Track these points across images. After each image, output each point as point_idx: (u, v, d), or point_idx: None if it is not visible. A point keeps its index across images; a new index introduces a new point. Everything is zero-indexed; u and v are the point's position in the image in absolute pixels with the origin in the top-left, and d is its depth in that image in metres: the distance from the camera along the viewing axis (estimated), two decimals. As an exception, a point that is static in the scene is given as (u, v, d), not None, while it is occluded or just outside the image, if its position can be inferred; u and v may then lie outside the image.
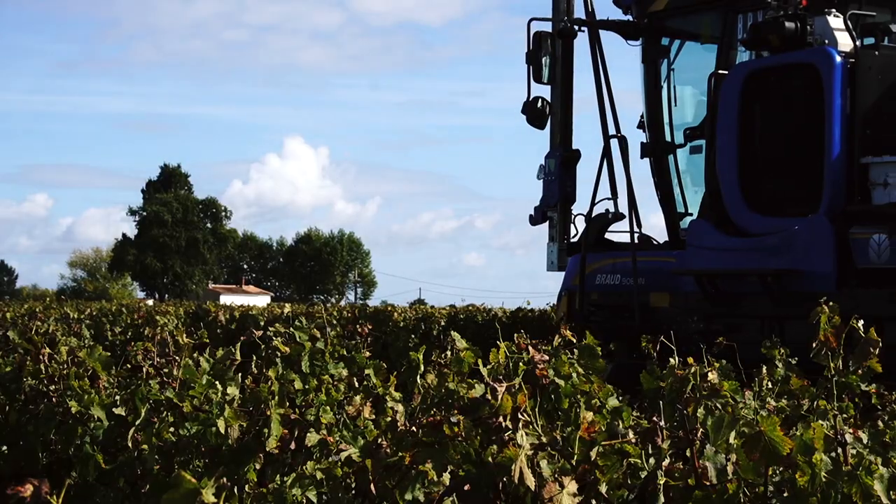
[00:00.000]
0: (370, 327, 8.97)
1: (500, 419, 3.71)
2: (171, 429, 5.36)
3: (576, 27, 15.01)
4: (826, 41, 12.57)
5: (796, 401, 4.32)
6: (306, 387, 5.89)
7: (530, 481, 3.61)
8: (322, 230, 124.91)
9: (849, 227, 12.21)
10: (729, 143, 13.39)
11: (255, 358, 6.13)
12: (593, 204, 14.80)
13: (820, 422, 3.22)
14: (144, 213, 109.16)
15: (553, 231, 15.52)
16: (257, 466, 5.22)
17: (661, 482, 3.49)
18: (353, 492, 4.62)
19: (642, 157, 15.02)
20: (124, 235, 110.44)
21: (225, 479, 4.06)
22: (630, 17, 15.06)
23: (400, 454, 4.56)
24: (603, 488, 3.61)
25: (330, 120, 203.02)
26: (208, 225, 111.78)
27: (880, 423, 6.54)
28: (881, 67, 12.52)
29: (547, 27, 15.16)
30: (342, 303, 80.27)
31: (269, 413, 5.14)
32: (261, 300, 75.56)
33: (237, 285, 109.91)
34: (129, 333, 21.94)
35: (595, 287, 14.80)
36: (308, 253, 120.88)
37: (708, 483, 3.41)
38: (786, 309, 12.52)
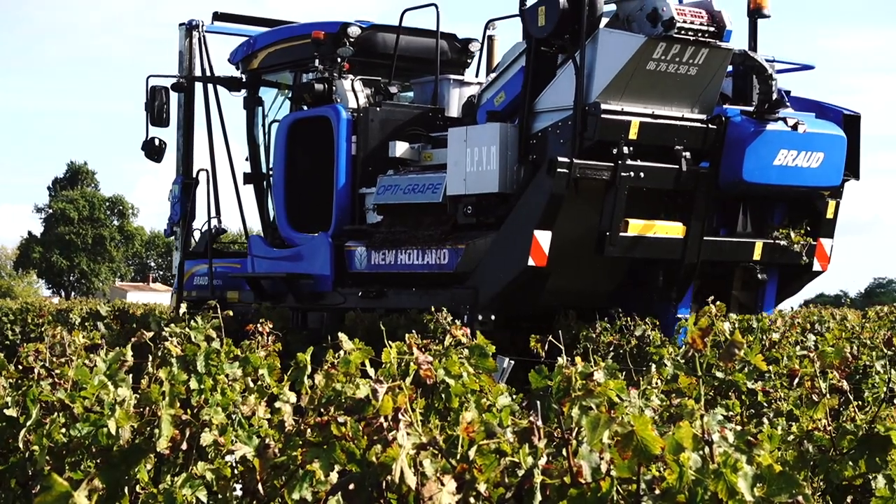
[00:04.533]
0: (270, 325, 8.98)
1: (382, 419, 3.77)
2: (63, 430, 5.36)
3: (185, 82, 19.02)
4: (339, 99, 16.52)
5: (669, 400, 4.42)
6: (202, 387, 5.92)
7: (411, 480, 3.68)
8: (231, 229, 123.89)
9: (345, 242, 16.17)
10: (278, 175, 17.47)
11: (150, 358, 6.14)
12: (190, 220, 19.11)
13: (688, 421, 3.31)
14: (50, 211, 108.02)
15: (177, 242, 19.38)
16: (149, 467, 5.25)
17: (538, 480, 3.56)
18: (241, 491, 4.66)
19: (244, 183, 19.02)
20: (30, 233, 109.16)
21: (98, 482, 4.07)
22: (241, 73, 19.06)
23: (287, 454, 4.61)
24: (482, 487, 3.68)
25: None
26: (115, 222, 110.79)
27: (765, 420, 6.70)
28: (381, 120, 16.39)
29: (164, 81, 18.87)
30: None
31: (159, 414, 5.17)
32: (168, 298, 74.96)
33: (144, 283, 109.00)
34: (33, 333, 21.77)
35: (192, 287, 18.88)
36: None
37: (583, 481, 3.49)
38: (305, 302, 16.58)
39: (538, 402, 3.98)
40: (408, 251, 15.45)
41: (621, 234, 13.86)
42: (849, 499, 5.22)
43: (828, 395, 5.05)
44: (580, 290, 14.77)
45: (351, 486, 3.98)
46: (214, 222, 18.68)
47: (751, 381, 6.90)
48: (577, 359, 4.52)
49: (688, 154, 14.12)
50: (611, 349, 12.49)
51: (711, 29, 13.88)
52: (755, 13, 14.98)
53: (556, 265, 13.92)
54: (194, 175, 18.95)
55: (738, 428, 3.31)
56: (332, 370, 4.55)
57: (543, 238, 13.70)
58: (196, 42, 18.93)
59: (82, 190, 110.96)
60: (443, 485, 3.66)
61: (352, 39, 16.86)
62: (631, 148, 13.68)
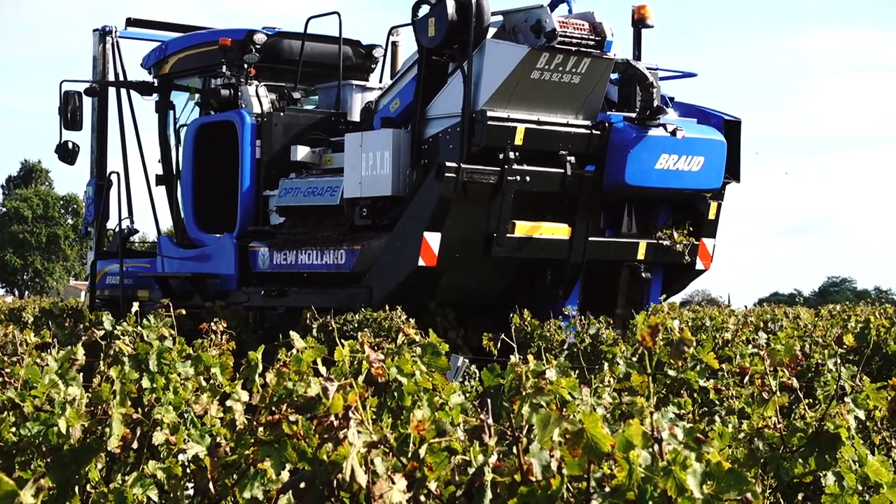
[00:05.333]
0: (225, 324, 8.95)
1: (332, 418, 3.77)
2: (13, 429, 5.32)
3: (98, 87, 19.32)
4: (244, 105, 17.17)
5: (620, 398, 4.44)
6: (154, 386, 5.89)
7: (362, 479, 3.67)
8: (144, 230, 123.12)
9: (249, 243, 16.90)
10: (186, 178, 18.09)
11: (102, 357, 6.11)
12: (104, 221, 19.71)
13: (638, 419, 3.32)
14: (4, 209, 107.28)
15: (91, 242, 19.86)
16: (100, 466, 5.22)
17: (489, 478, 3.56)
18: (193, 490, 4.65)
19: (156, 185, 19.47)
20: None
21: (45, 481, 4.04)
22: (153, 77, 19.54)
23: (239, 452, 4.60)
24: (432, 485, 3.68)
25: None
26: (69, 221, 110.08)
27: (717, 418, 6.73)
28: (284, 124, 17.06)
29: (78, 86, 19.26)
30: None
31: (111, 413, 5.14)
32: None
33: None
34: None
35: (105, 286, 19.46)
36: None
37: (533, 479, 3.49)
38: (211, 301, 16.61)
39: (489, 401, 3.99)
40: (307, 251, 16.15)
41: (508, 235, 14.59)
42: (800, 496, 5.24)
43: (778, 393, 5.07)
44: (473, 288, 15.44)
45: (302, 485, 3.97)
46: (126, 223, 19.24)
47: (703, 379, 6.94)
48: (530, 357, 4.52)
49: (572, 159, 14.85)
50: (565, 347, 12.52)
51: (593, 40, 14.62)
52: (639, 24, 15.80)
53: (447, 265, 14.61)
54: (107, 177, 19.56)
55: (689, 425, 3.32)
56: (283, 368, 4.54)
57: (433, 239, 14.44)
58: (110, 47, 19.45)
59: (36, 188, 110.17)
60: (393, 483, 3.67)
61: (258, 46, 17.43)
62: (517, 153, 14.42)
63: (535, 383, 3.94)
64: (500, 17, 14.85)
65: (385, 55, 18.57)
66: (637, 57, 15.76)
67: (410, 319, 12.20)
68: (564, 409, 3.71)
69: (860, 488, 4.84)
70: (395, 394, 5.27)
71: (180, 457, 5.06)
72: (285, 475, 4.41)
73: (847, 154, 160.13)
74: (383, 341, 5.93)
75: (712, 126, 15.96)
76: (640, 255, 15.73)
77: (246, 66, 17.30)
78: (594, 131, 15.02)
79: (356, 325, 13.29)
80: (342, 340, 5.02)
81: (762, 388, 5.04)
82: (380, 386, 5.23)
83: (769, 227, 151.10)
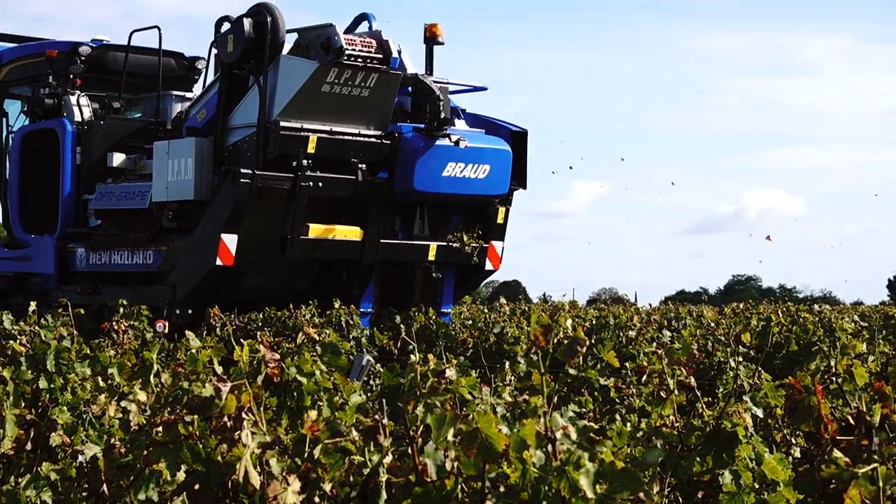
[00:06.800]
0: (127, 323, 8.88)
1: (226, 418, 3.72)
2: None
3: None
4: (67, 113, 18.10)
5: (515, 397, 4.42)
6: (51, 386, 5.81)
7: (255, 480, 3.64)
8: None
9: (68, 244, 17.92)
10: (13, 182, 18.99)
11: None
12: None
13: (532, 418, 3.30)
14: None
15: None
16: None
17: (384, 479, 3.54)
18: (87, 492, 4.58)
19: None
20: None
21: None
22: None
23: (135, 454, 4.54)
24: (327, 486, 3.65)
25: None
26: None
27: (618, 416, 6.74)
28: (104, 132, 18.09)
29: None
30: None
31: (3, 414, 5.07)
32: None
33: None
34: None
35: None
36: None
37: (428, 479, 3.47)
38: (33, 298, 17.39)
39: (384, 401, 3.96)
40: (120, 252, 17.29)
41: (302, 237, 15.75)
42: (700, 494, 5.26)
43: (676, 392, 5.09)
44: (275, 287, 16.36)
45: (196, 486, 3.93)
46: None
47: (603, 377, 6.96)
48: (430, 356, 4.50)
49: (364, 166, 16.14)
50: (469, 347, 12.54)
51: (379, 56, 15.89)
52: (431, 41, 17.24)
53: (247, 265, 15.77)
54: None
55: (587, 424, 3.31)
56: (179, 368, 4.49)
57: (230, 240, 15.54)
58: None
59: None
60: (288, 484, 3.63)
61: (83, 58, 18.45)
62: (310, 161, 15.68)
63: (432, 383, 3.93)
64: (295, 35, 16.10)
65: (207, 66, 19.14)
66: (429, 72, 17.01)
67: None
68: (464, 409, 3.70)
69: (757, 486, 4.86)
70: (295, 394, 5.23)
71: (80, 458, 5.00)
72: (181, 476, 4.36)
73: (755, 154, 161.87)
74: (283, 340, 5.89)
75: (500, 137, 17.20)
76: (431, 257, 16.95)
77: (71, 76, 18.31)
78: (384, 141, 16.32)
79: (259, 324, 13.25)
80: (241, 340, 4.97)
81: (660, 386, 5.05)
82: (279, 386, 5.19)
83: (677, 225, 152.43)
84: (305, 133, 15.65)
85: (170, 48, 19.15)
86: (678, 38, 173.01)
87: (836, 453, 3.71)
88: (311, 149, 15.64)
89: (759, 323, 13.88)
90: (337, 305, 14.84)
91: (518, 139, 17.31)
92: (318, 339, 5.89)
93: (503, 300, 20.59)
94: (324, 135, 15.81)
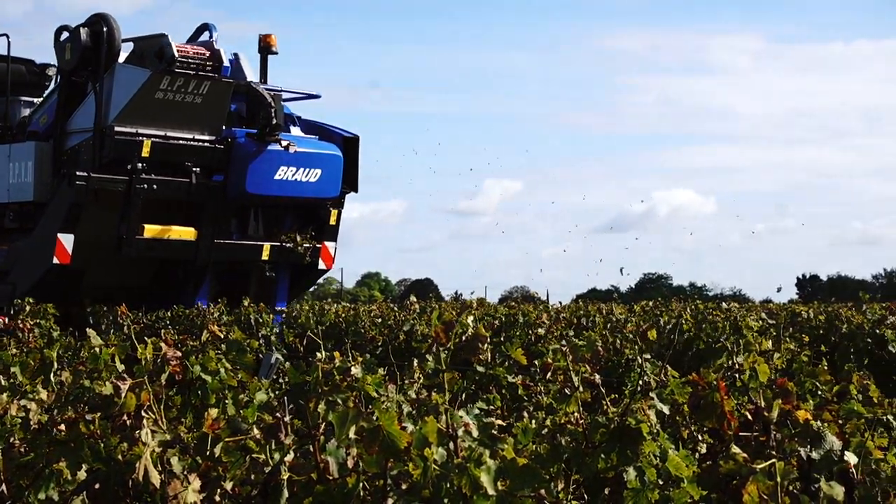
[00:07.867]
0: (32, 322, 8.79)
1: (126, 417, 3.68)
2: None
3: None
4: None
5: (419, 395, 4.42)
6: (-47, 385, 5.72)
7: (155, 479, 3.60)
8: None
9: None
10: None
11: None
12: None
13: (434, 416, 3.30)
14: None
15: None
16: None
17: (285, 477, 3.52)
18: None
19: None
20: None
21: None
22: None
23: (35, 453, 4.48)
24: (228, 485, 3.63)
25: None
26: None
27: (526, 413, 6.75)
28: None
29: None
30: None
31: None
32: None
33: None
34: None
35: None
36: None
37: (330, 477, 3.46)
38: None
39: (285, 398, 3.94)
40: None
41: (137, 237, 16.58)
42: (606, 490, 5.28)
43: (581, 389, 5.10)
44: (115, 285, 17.11)
45: (97, 486, 3.89)
46: None
47: (511, 375, 6.97)
48: (336, 354, 4.49)
49: (198, 169, 17.03)
50: (379, 345, 12.53)
51: (210, 65, 16.78)
52: (265, 50, 18.49)
53: (86, 264, 16.49)
54: None
55: (489, 421, 3.31)
56: (80, 367, 4.43)
57: (66, 240, 16.22)
58: None
59: None
60: (188, 483, 3.60)
61: None
62: (145, 164, 16.51)
63: (335, 380, 3.91)
64: (132, 44, 16.87)
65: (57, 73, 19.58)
66: (263, 80, 18.15)
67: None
68: (370, 407, 3.69)
69: (661, 483, 4.88)
70: (199, 392, 5.20)
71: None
72: (82, 476, 4.31)
73: (666, 153, 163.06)
74: (188, 338, 5.84)
75: (333, 143, 18.27)
76: (265, 256, 17.91)
77: None
78: (217, 145, 17.20)
79: (167, 322, 13.18)
80: (146, 338, 4.93)
81: (564, 383, 5.07)
82: (185, 384, 5.16)
83: (589, 224, 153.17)
84: (140, 138, 16.46)
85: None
86: (589, 37, 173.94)
87: (735, 449, 3.74)
88: (145, 153, 16.45)
89: (670, 320, 13.98)
90: (246, 304, 14.86)
91: (350, 145, 18.34)
92: (222, 337, 5.85)
93: (413, 298, 20.58)
94: (158, 139, 16.62)
